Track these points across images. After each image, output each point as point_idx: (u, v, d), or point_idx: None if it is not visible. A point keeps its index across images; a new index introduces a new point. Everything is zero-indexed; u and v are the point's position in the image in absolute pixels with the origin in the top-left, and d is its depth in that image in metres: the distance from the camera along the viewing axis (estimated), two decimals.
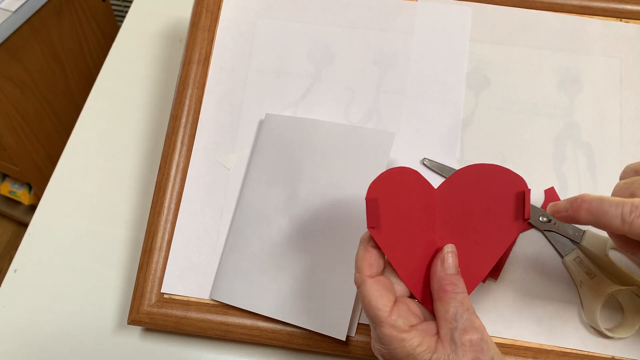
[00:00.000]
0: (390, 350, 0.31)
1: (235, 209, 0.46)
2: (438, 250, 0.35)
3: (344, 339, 0.41)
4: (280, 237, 0.44)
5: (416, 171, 0.35)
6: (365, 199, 0.32)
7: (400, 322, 0.31)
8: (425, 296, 0.34)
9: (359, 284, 0.32)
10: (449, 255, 0.34)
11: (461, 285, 0.33)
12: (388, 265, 0.34)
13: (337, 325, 0.41)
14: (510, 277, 0.44)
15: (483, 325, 0.32)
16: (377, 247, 0.33)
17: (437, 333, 0.31)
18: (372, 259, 0.33)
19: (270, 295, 0.43)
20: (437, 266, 0.34)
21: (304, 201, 0.44)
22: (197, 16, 0.51)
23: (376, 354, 0.33)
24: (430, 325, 0.32)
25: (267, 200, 0.45)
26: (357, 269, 0.33)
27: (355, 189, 0.42)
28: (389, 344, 0.31)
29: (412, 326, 0.31)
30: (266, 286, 0.43)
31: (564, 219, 0.33)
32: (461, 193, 0.36)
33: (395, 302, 0.32)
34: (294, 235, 0.43)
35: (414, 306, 0.33)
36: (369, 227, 0.32)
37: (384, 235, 0.33)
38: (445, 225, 0.36)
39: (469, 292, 0.34)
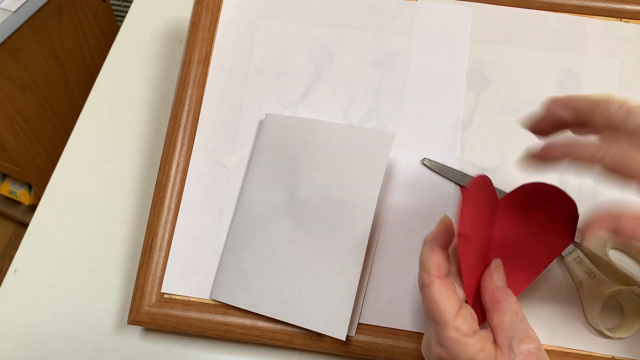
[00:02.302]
0: (452, 353, 0.31)
1: (235, 209, 0.46)
2: (488, 262, 0.36)
3: (344, 339, 0.41)
4: (280, 237, 0.44)
5: (490, 181, 0.36)
6: (462, 202, 0.32)
7: (465, 327, 0.31)
8: (475, 306, 0.34)
9: (426, 284, 0.32)
10: (498, 269, 0.35)
11: (512, 296, 0.34)
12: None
13: (337, 325, 0.41)
14: None
15: (538, 337, 0.32)
16: (444, 248, 0.33)
17: (495, 341, 0.32)
18: (440, 261, 0.33)
19: (270, 295, 0.43)
20: (487, 280, 0.35)
21: (304, 201, 0.44)
22: (197, 16, 0.51)
23: (432, 356, 0.33)
24: (489, 333, 0.32)
25: (267, 200, 0.45)
26: (425, 269, 0.33)
27: (355, 189, 0.42)
28: (451, 347, 0.31)
29: (474, 332, 0.31)
30: (266, 286, 0.43)
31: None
32: (518, 209, 0.36)
33: (460, 306, 0.32)
34: (293, 235, 0.43)
35: (474, 313, 0.33)
36: (461, 232, 0.32)
37: (465, 241, 0.33)
38: (497, 239, 0.36)
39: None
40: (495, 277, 0.35)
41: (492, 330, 0.33)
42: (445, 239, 0.34)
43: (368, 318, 0.43)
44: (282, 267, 0.43)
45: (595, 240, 0.30)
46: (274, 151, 0.46)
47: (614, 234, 0.29)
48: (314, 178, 0.44)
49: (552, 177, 0.46)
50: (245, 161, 0.48)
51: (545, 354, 0.32)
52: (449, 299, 0.31)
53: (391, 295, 0.44)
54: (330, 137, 0.44)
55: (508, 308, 0.33)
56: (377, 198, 0.41)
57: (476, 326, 0.32)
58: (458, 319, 0.31)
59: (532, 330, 0.32)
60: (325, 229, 0.43)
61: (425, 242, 0.34)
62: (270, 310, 0.43)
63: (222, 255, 0.45)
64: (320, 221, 0.43)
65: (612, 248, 0.43)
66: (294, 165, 0.45)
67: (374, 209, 0.41)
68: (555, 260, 0.44)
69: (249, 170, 0.47)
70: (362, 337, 0.43)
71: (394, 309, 0.43)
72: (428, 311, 0.32)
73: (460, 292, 0.34)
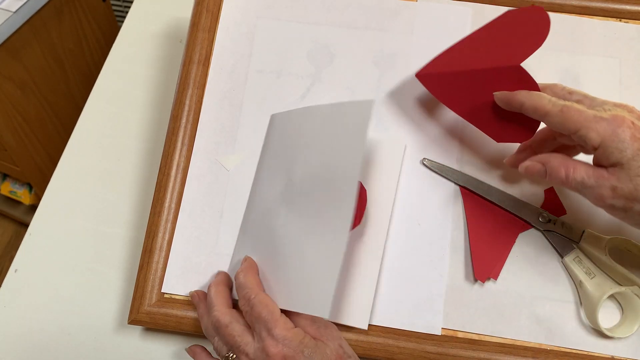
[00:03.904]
0: (285, 342, 0.35)
1: (245, 212, 0.46)
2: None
3: (366, 328, 0.41)
4: (279, 226, 0.43)
5: None
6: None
7: (289, 324, 0.37)
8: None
9: (254, 295, 0.38)
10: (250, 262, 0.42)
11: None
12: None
13: (358, 314, 0.42)
14: (510, 277, 0.44)
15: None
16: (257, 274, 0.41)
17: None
18: (257, 280, 0.40)
19: (280, 288, 0.42)
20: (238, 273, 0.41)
21: (297, 186, 0.43)
22: (197, 16, 0.51)
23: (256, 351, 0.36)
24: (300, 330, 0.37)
25: (269, 193, 0.45)
26: (248, 287, 0.39)
27: (338, 163, 0.40)
28: (283, 337, 0.35)
29: (293, 327, 0.37)
30: (274, 279, 0.42)
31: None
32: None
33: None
34: (289, 221, 0.42)
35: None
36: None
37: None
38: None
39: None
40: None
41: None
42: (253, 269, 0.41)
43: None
44: (282, 256, 0.42)
45: (529, 171, 0.38)
46: (277, 146, 0.46)
47: (542, 167, 0.37)
48: (305, 162, 0.43)
49: None
50: (245, 161, 0.48)
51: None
52: (273, 303, 0.37)
53: (391, 295, 0.44)
54: (317, 118, 0.44)
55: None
56: (358, 170, 0.38)
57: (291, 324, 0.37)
58: (283, 317, 0.36)
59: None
60: (315, 210, 0.41)
61: (240, 270, 0.40)
62: (288, 304, 0.41)
63: (232, 255, 0.45)
64: (311, 203, 0.41)
65: (612, 248, 0.43)
66: (291, 153, 0.44)
67: (356, 182, 0.38)
68: (555, 260, 0.44)
69: (257, 170, 0.47)
70: (362, 337, 0.43)
71: (393, 309, 0.43)
72: (258, 315, 0.36)
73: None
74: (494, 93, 0.41)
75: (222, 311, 0.38)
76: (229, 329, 0.37)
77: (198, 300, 0.42)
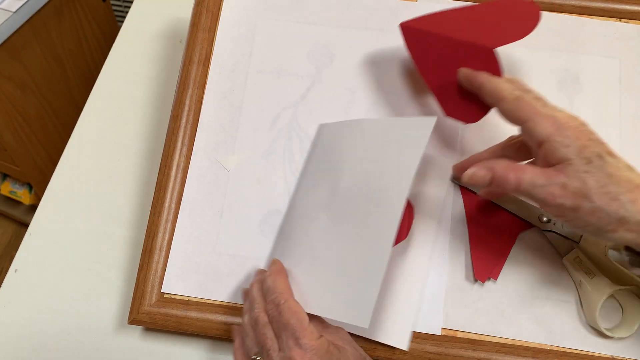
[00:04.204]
0: (311, 350, 0.34)
1: (284, 218, 0.46)
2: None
3: (406, 349, 0.41)
4: (322, 234, 0.42)
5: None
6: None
7: (315, 332, 0.35)
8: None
9: (284, 300, 0.37)
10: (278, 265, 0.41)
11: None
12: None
13: (397, 332, 0.40)
14: (510, 277, 0.44)
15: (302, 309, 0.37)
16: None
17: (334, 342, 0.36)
18: (288, 284, 0.39)
19: (320, 294, 0.40)
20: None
21: (342, 194, 0.42)
22: (197, 16, 0.51)
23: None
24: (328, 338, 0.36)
25: (310, 199, 0.44)
26: (278, 291, 0.38)
27: (388, 178, 0.39)
28: (308, 346, 0.34)
29: (320, 335, 0.35)
30: (310, 286, 0.41)
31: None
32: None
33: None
34: (335, 231, 0.41)
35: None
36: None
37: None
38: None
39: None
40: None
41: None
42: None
43: None
44: (320, 262, 0.41)
45: (474, 179, 0.37)
46: (324, 154, 0.45)
47: (488, 174, 0.37)
48: (353, 171, 0.42)
49: None
50: (245, 161, 0.48)
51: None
52: (303, 311, 0.36)
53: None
54: (371, 131, 0.42)
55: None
56: (409, 185, 0.37)
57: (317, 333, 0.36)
58: (310, 326, 0.35)
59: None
60: (359, 220, 0.40)
61: (268, 274, 0.39)
62: (317, 309, 0.40)
63: (268, 259, 0.45)
64: (356, 213, 0.40)
65: (612, 248, 0.43)
66: (339, 162, 0.43)
67: (405, 196, 0.37)
68: (556, 260, 0.44)
69: (299, 177, 0.47)
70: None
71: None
72: (287, 322, 0.35)
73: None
74: (459, 68, 0.42)
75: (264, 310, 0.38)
76: (265, 329, 0.36)
77: (245, 297, 0.41)
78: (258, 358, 0.36)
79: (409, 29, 0.45)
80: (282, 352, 0.34)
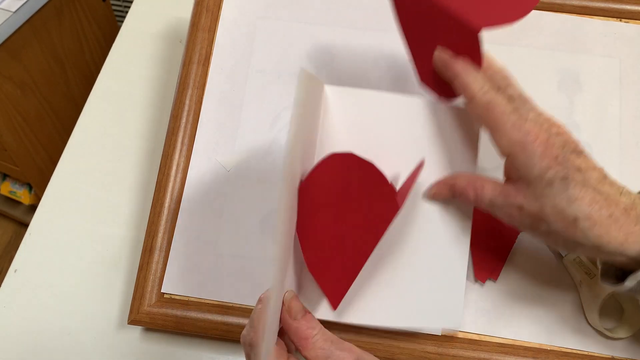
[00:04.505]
0: None
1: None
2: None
3: (459, 328, 0.39)
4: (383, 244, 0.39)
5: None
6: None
7: None
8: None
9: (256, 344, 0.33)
10: (292, 302, 0.33)
11: (314, 324, 0.33)
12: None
13: (449, 313, 0.38)
14: (510, 277, 0.44)
15: (352, 346, 0.32)
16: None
17: None
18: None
19: (396, 304, 0.39)
20: (287, 319, 0.33)
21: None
22: (197, 16, 0.51)
23: None
24: None
25: None
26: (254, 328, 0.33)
27: (452, 167, 0.39)
28: None
29: None
30: (366, 292, 0.39)
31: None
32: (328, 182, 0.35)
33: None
34: (399, 238, 0.39)
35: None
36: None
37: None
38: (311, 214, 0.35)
39: (360, 267, 0.35)
40: (293, 313, 0.33)
41: None
42: None
43: None
44: (388, 271, 0.39)
45: (437, 197, 0.37)
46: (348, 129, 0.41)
47: (450, 191, 0.36)
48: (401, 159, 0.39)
49: None
50: (245, 161, 0.48)
51: (368, 355, 0.32)
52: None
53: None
54: (412, 114, 0.40)
55: (313, 344, 0.32)
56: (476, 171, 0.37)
57: None
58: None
59: (345, 343, 0.32)
60: (427, 221, 0.39)
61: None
62: (396, 321, 0.39)
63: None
64: (421, 216, 0.39)
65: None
66: (376, 145, 0.40)
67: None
68: (555, 260, 0.44)
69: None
70: (363, 338, 0.43)
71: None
72: None
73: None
74: (436, 49, 0.38)
75: None
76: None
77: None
78: None
79: None
80: None
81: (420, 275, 0.38)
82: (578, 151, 0.32)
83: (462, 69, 0.35)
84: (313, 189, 0.34)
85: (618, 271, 0.35)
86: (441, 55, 0.37)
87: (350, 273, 0.35)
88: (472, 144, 0.38)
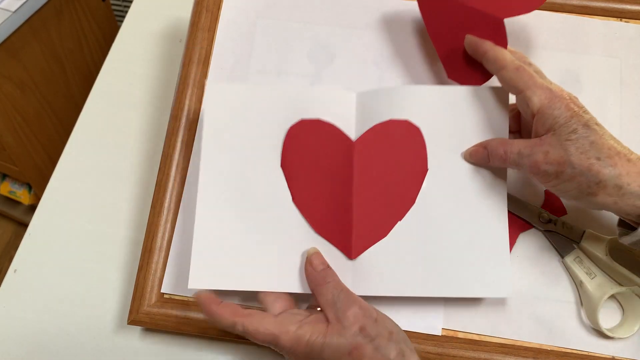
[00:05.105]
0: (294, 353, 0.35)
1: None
2: (349, 201, 0.41)
3: (508, 296, 0.41)
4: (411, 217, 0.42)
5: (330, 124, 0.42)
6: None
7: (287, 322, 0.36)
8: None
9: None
10: (314, 257, 0.40)
11: (331, 275, 0.39)
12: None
13: (497, 283, 0.41)
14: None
15: (359, 298, 0.37)
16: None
17: (327, 320, 0.36)
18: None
19: (445, 275, 0.41)
20: (308, 268, 0.40)
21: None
22: (197, 16, 0.51)
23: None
24: (319, 316, 0.37)
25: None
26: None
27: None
28: (290, 346, 0.35)
29: (300, 321, 0.36)
30: (411, 266, 0.41)
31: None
32: (375, 148, 0.42)
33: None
34: (438, 213, 0.42)
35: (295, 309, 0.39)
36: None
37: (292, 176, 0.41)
38: (361, 177, 0.41)
39: (387, 232, 0.41)
40: (315, 264, 0.39)
41: (323, 310, 0.37)
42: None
43: None
44: (433, 243, 0.42)
45: (473, 155, 0.42)
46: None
47: (484, 149, 0.41)
48: (439, 147, 0.43)
49: None
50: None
51: (373, 309, 0.37)
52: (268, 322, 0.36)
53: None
54: (440, 100, 0.43)
55: (326, 287, 0.38)
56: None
57: (300, 317, 0.36)
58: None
59: (354, 295, 0.37)
60: (464, 192, 0.42)
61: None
62: (449, 290, 0.41)
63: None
64: (457, 187, 0.42)
65: (613, 248, 0.43)
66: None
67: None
68: (556, 260, 0.44)
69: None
70: None
71: (394, 310, 0.43)
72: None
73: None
74: (466, 35, 0.43)
75: None
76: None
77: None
78: None
79: None
80: None
81: (464, 245, 0.41)
82: (590, 114, 0.37)
83: (491, 46, 0.41)
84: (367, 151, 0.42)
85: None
86: (471, 38, 0.43)
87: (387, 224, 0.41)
88: (503, 118, 0.42)
